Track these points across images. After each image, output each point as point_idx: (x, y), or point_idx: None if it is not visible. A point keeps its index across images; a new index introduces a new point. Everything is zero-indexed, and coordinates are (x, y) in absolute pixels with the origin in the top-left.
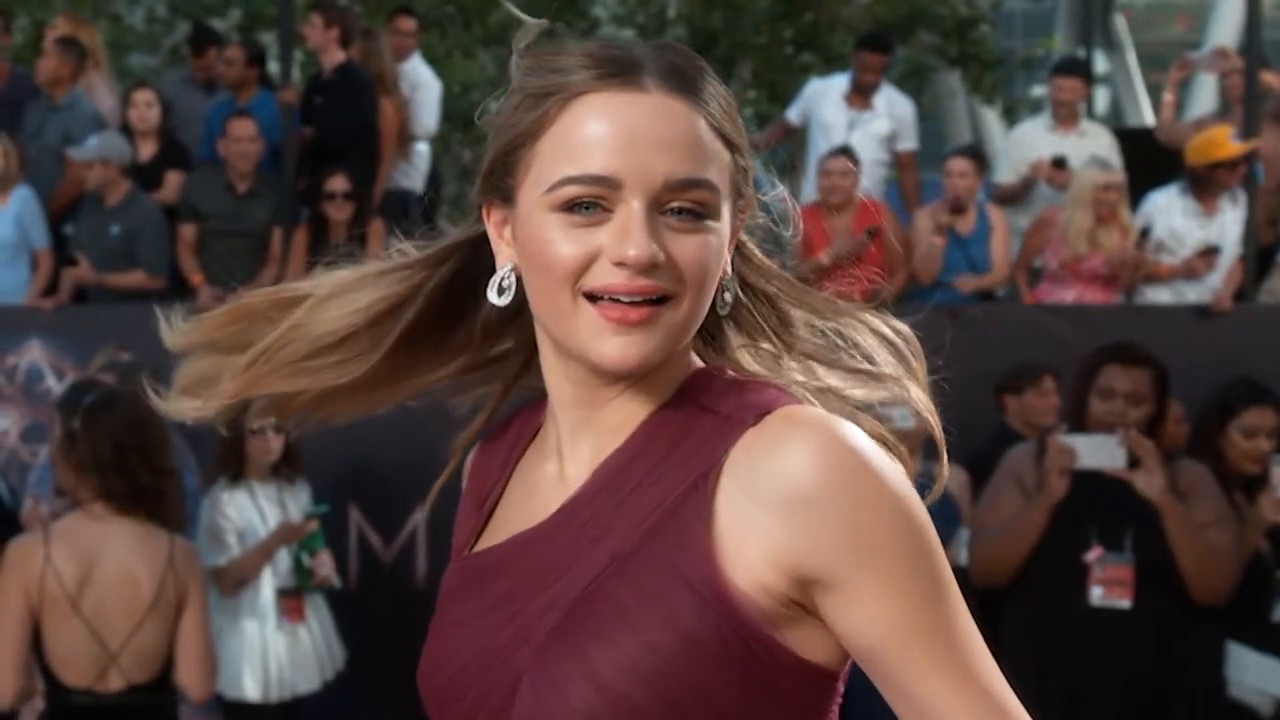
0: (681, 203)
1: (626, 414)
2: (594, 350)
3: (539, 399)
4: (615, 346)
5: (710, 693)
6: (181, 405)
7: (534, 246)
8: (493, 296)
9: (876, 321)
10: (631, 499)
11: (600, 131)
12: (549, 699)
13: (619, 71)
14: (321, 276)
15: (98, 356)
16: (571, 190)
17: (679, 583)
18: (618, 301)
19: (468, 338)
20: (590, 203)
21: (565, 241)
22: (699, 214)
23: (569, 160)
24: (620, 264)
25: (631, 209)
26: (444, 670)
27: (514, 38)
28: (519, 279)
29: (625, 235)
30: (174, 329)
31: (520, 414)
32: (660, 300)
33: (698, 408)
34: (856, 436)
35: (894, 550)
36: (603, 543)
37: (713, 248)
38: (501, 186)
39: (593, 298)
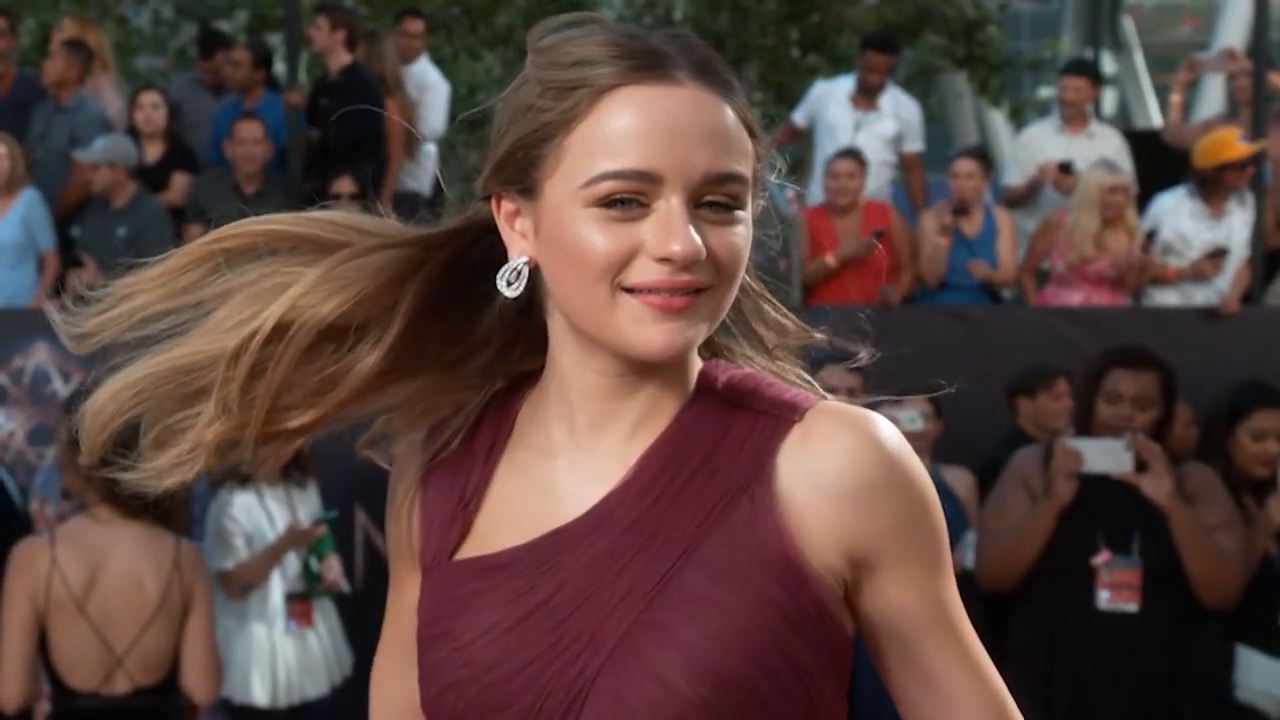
0: (716, 196)
1: (652, 407)
2: (637, 338)
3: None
4: (660, 333)
5: (803, 665)
6: (156, 462)
7: (567, 242)
8: (503, 288)
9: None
10: (683, 496)
11: (638, 126)
12: (649, 692)
13: (651, 64)
14: (289, 219)
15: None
16: (610, 185)
17: (762, 566)
18: (658, 292)
19: (488, 334)
20: (628, 198)
21: (602, 237)
22: (731, 206)
23: (606, 155)
24: (664, 260)
25: (671, 204)
26: (483, 679)
27: (531, 34)
28: (530, 271)
29: (669, 231)
30: (87, 313)
31: (488, 405)
32: (697, 290)
33: (726, 404)
34: (895, 430)
35: (929, 535)
36: (659, 539)
37: (744, 238)
38: (521, 179)
39: (631, 290)
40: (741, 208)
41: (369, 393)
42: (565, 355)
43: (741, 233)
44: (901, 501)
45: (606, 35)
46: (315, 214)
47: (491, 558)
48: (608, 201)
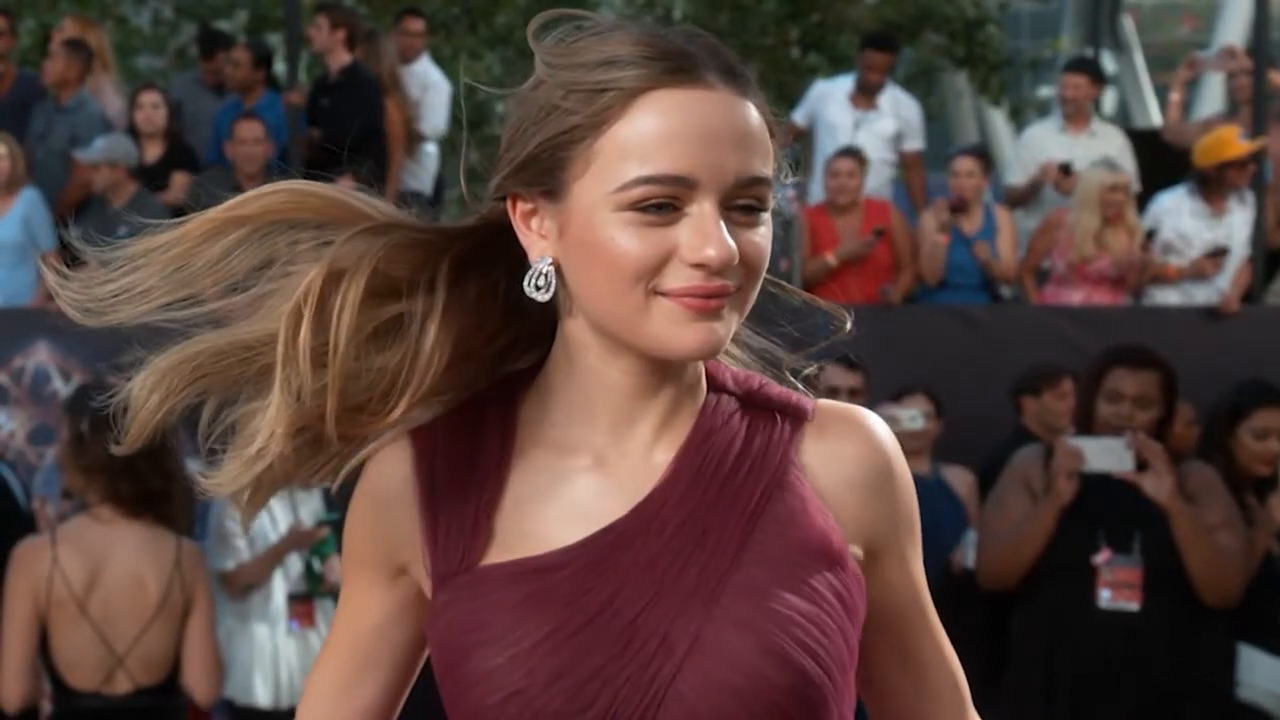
0: (745, 199)
1: (676, 404)
2: (672, 339)
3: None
4: (695, 333)
5: (853, 647)
6: (229, 460)
7: (601, 245)
8: (532, 292)
9: None
10: (726, 493)
11: (674, 130)
12: (738, 684)
13: (682, 66)
14: (312, 185)
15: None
16: (645, 190)
17: (813, 555)
18: (693, 295)
19: (512, 331)
20: (663, 202)
21: (636, 241)
22: (757, 208)
23: (640, 159)
24: (700, 265)
25: (705, 209)
26: (553, 686)
27: (533, 31)
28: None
29: (704, 236)
30: (94, 281)
31: (482, 406)
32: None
33: (741, 403)
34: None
35: (916, 520)
36: (711, 536)
37: (768, 238)
38: (545, 180)
39: (664, 293)
40: (766, 209)
41: (438, 381)
42: (588, 355)
43: (765, 233)
44: (902, 490)
45: (633, 35)
46: (337, 187)
47: (536, 560)
48: (641, 206)
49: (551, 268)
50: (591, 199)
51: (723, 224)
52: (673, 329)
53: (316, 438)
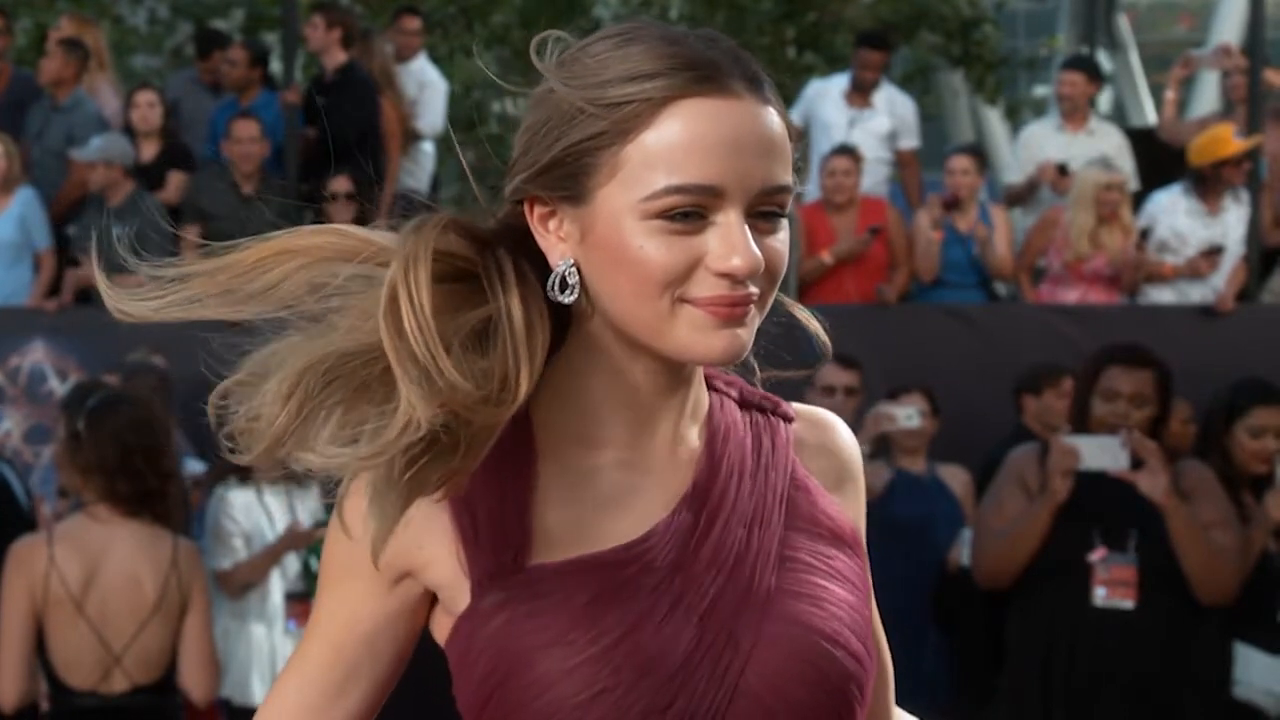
0: (769, 207)
1: (689, 400)
2: (698, 345)
3: None
4: (722, 339)
5: (872, 633)
6: (379, 437)
7: (629, 253)
8: (558, 295)
9: None
10: (755, 491)
11: (703, 139)
12: (807, 678)
13: (708, 75)
14: (365, 230)
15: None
16: (673, 200)
17: (840, 548)
18: (719, 304)
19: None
20: (690, 211)
21: (663, 249)
22: (778, 214)
23: (668, 169)
24: (726, 274)
25: (731, 218)
26: (639, 685)
27: (537, 46)
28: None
29: (731, 246)
30: (143, 295)
31: None
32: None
33: (734, 401)
34: None
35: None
36: (755, 533)
37: (787, 243)
38: (568, 185)
39: (691, 300)
40: (785, 215)
41: (545, 354)
42: (609, 355)
43: (784, 238)
44: (863, 484)
45: (655, 47)
46: (368, 228)
47: (598, 557)
48: (669, 214)
49: (574, 270)
50: (617, 206)
51: (749, 233)
52: (699, 336)
53: (451, 441)
